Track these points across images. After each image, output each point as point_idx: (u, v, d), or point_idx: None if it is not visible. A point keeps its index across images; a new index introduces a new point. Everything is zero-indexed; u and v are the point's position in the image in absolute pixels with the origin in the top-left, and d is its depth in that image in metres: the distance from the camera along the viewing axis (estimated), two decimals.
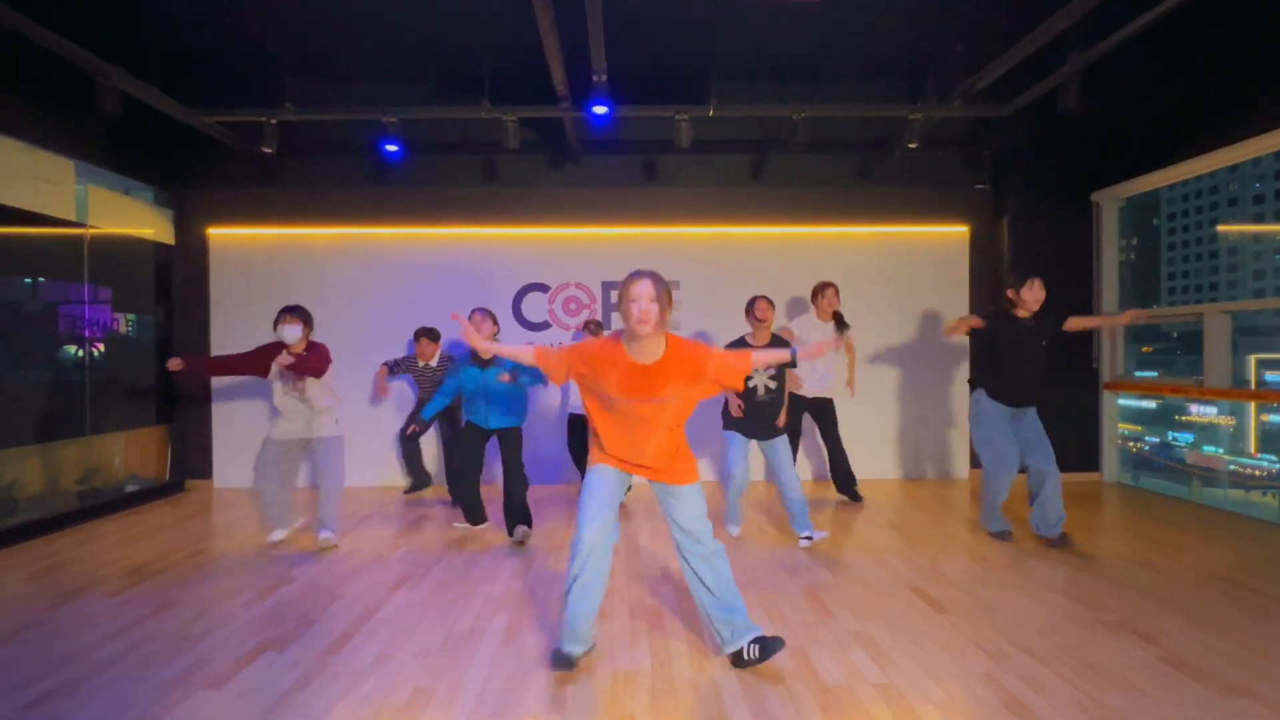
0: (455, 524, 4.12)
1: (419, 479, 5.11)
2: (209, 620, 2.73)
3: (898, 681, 2.18)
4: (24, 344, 4.28)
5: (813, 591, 3.00)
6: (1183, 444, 5.25)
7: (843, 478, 4.77)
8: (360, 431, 5.38)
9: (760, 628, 2.31)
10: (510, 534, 3.81)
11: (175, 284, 5.45)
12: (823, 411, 4.68)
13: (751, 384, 3.58)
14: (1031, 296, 3.58)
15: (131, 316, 5.22)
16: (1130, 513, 4.48)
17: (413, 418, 4.92)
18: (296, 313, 3.64)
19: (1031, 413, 3.69)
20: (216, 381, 5.47)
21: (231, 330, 5.43)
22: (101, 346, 4.87)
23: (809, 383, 4.52)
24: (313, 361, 3.58)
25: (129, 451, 5.13)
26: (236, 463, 5.47)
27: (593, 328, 4.69)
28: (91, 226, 4.70)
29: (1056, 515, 3.58)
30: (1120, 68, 4.51)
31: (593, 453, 2.30)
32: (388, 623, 2.69)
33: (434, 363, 4.83)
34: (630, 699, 2.08)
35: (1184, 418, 5.20)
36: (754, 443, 3.73)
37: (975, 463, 5.59)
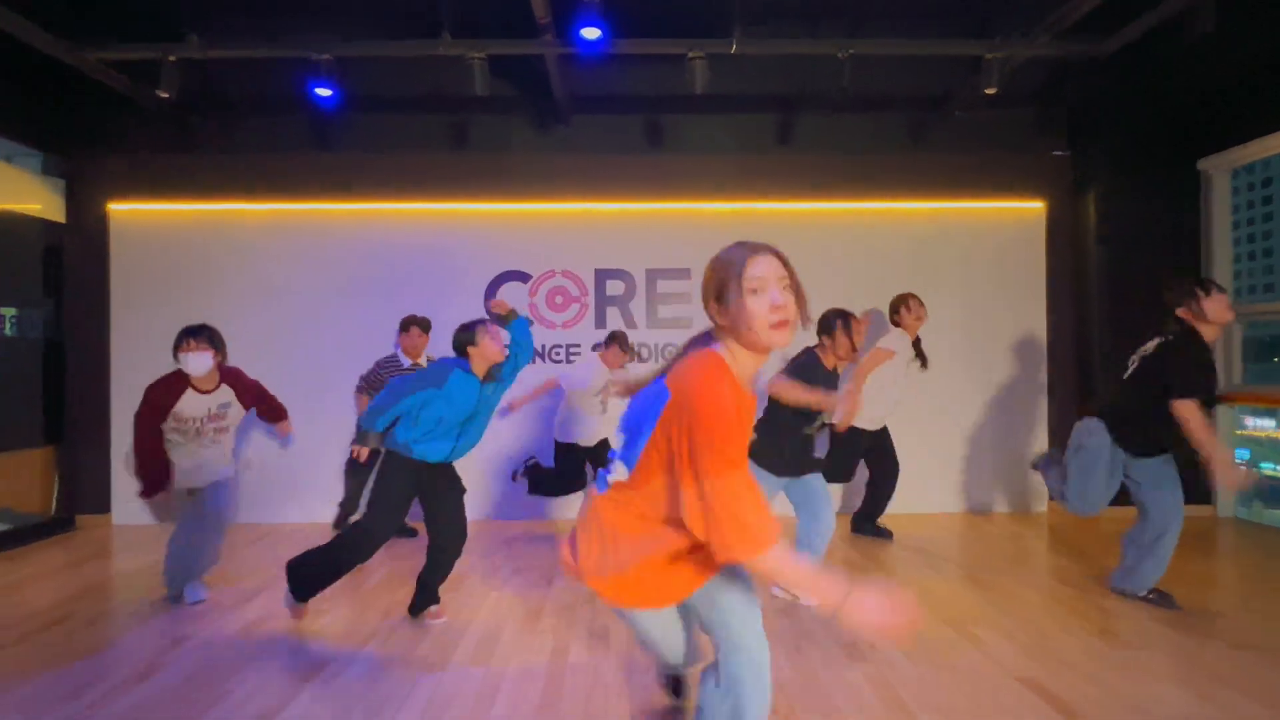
0: (429, 619, 3.06)
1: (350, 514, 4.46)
2: (68, 709, 2.08)
3: None
4: None
5: (883, 683, 2.36)
6: (1239, 461, 4.77)
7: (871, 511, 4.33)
8: (296, 457, 4.78)
9: None
10: (417, 609, 3.01)
11: (67, 271, 4.84)
12: (881, 440, 4.26)
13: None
14: (1224, 305, 2.86)
15: (10, 311, 4.59)
16: (1269, 561, 3.84)
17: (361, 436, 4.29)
18: (203, 335, 3.05)
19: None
20: (118, 393, 4.84)
21: (137, 327, 4.82)
22: None
23: (877, 410, 4.08)
24: (255, 389, 3.32)
25: (4, 479, 4.49)
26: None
27: (622, 346, 4.09)
28: None
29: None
30: None
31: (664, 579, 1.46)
32: None
33: (423, 362, 4.23)
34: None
35: (1240, 432, 4.70)
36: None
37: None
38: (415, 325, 4.19)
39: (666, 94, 4.74)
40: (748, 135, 4.98)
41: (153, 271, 4.86)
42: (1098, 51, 4.07)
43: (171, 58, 3.69)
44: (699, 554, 1.40)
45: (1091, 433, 3.12)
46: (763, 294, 1.29)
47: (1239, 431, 4.73)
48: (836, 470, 4.08)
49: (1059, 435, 4.97)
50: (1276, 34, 4.16)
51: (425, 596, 3.00)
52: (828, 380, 3.06)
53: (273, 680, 2.44)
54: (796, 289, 1.32)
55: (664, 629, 1.69)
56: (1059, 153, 5.06)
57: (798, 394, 2.91)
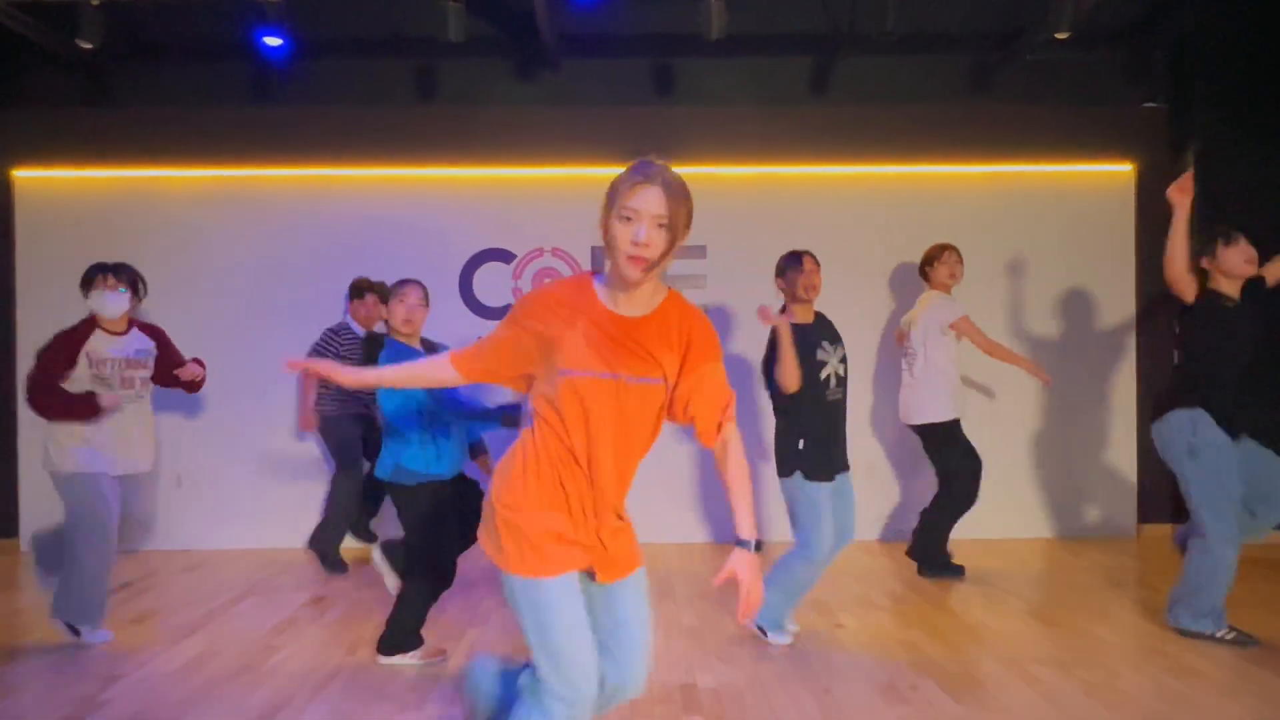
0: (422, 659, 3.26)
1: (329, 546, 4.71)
2: None
3: None
4: None
5: None
6: None
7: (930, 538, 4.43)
8: (237, 471, 5.07)
9: None
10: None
11: None
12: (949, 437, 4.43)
13: (824, 373, 3.29)
14: (1241, 258, 3.30)
15: None
16: None
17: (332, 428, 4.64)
18: (123, 274, 3.39)
19: (1250, 442, 3.38)
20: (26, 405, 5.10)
21: (48, 314, 5.02)
22: None
23: (932, 404, 4.31)
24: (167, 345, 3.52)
25: None
26: (56, 514, 5.10)
27: None
28: None
29: None
30: None
31: (536, 538, 1.66)
32: None
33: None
34: None
35: None
36: None
37: (1148, 516, 5.21)
38: (372, 292, 4.51)
39: (677, 33, 4.93)
40: (775, 83, 5.23)
41: (65, 249, 5.07)
42: None
43: (94, 1, 3.93)
44: None
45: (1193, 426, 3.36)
46: (633, 224, 1.53)
47: None
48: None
49: (1151, 447, 5.17)
50: None
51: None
52: (808, 336, 3.31)
53: None
54: (676, 229, 1.58)
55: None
56: (1152, 104, 5.28)
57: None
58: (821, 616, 3.72)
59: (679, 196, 1.56)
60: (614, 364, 1.60)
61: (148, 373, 3.49)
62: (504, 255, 5.21)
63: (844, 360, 3.40)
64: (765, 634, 3.34)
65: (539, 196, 5.21)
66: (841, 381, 3.37)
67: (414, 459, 3.07)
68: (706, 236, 5.14)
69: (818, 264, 3.39)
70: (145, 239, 5.12)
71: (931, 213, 5.15)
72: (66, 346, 3.34)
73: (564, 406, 1.64)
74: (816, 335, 3.34)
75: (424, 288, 3.25)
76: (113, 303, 3.34)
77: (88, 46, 4.06)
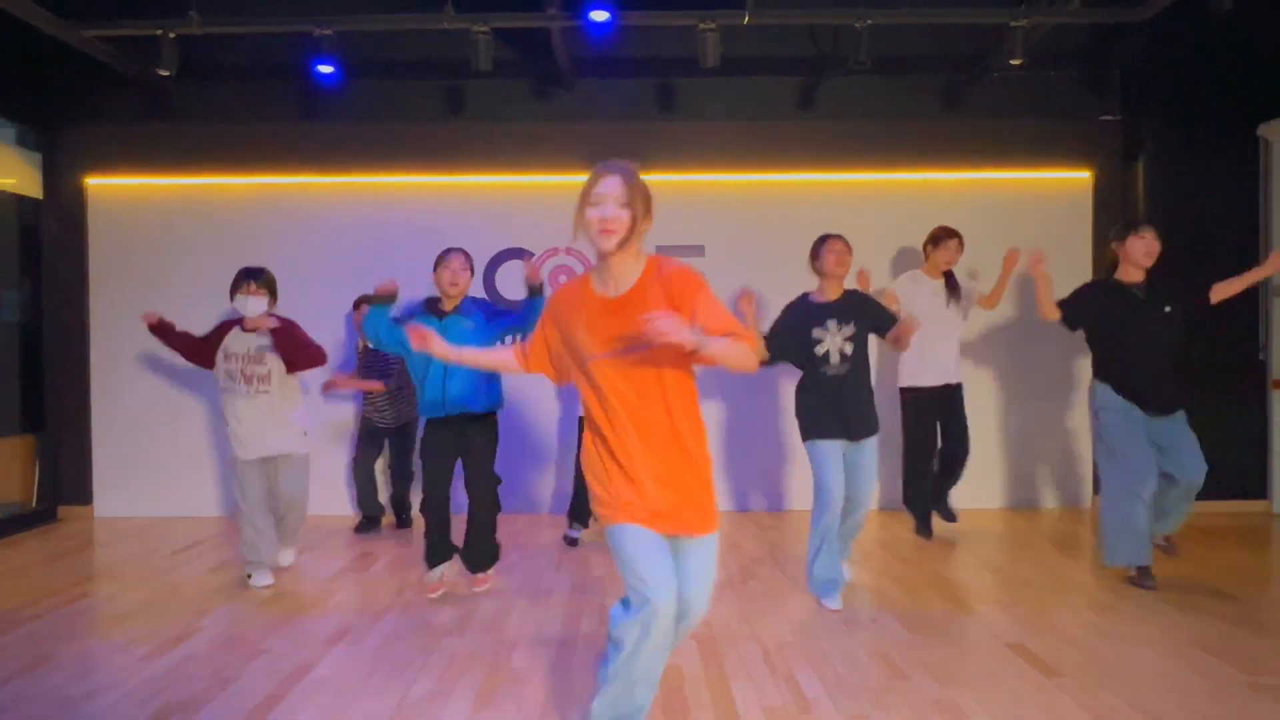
0: (429, 590, 3.76)
1: (371, 513, 5.19)
2: (96, 678, 2.82)
3: None
4: None
5: (879, 649, 3.05)
6: None
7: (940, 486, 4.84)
8: None
9: None
10: (470, 569, 3.76)
11: (44, 249, 5.55)
12: (948, 402, 4.73)
13: (820, 350, 3.45)
14: (1142, 248, 3.64)
15: None
16: None
17: (365, 421, 5.11)
18: (263, 279, 3.80)
19: (1178, 418, 3.71)
20: (99, 379, 5.58)
21: (117, 309, 5.51)
22: None
23: (917, 370, 4.62)
24: (293, 333, 3.85)
25: None
26: (125, 486, 5.59)
27: None
28: None
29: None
30: None
31: (607, 498, 1.97)
32: (325, 684, 2.77)
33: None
34: None
35: None
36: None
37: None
38: (366, 303, 4.86)
39: (679, 57, 5.23)
40: (767, 100, 5.54)
41: (133, 249, 5.55)
42: (1132, 18, 4.65)
43: (173, 35, 4.36)
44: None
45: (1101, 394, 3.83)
46: (599, 207, 1.84)
47: None
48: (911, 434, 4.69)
49: None
50: None
51: (472, 558, 3.73)
52: (815, 314, 3.49)
53: (304, 642, 3.18)
54: (635, 208, 1.85)
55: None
56: (1108, 118, 5.60)
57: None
58: (800, 567, 4.04)
59: (634, 183, 1.87)
60: (612, 342, 1.90)
61: (265, 369, 3.83)
62: (523, 253, 5.52)
63: (851, 339, 3.43)
64: (820, 602, 3.53)
65: (555, 201, 5.41)
66: (847, 358, 3.42)
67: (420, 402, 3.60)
68: (705, 237, 5.53)
69: (848, 246, 3.50)
70: (203, 240, 5.51)
71: (908, 216, 5.43)
72: (218, 331, 3.90)
73: (587, 390, 1.98)
74: (820, 315, 3.47)
75: (465, 254, 3.62)
76: (254, 306, 3.76)
77: (165, 74, 4.46)
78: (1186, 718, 2.46)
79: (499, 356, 2.32)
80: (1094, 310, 3.76)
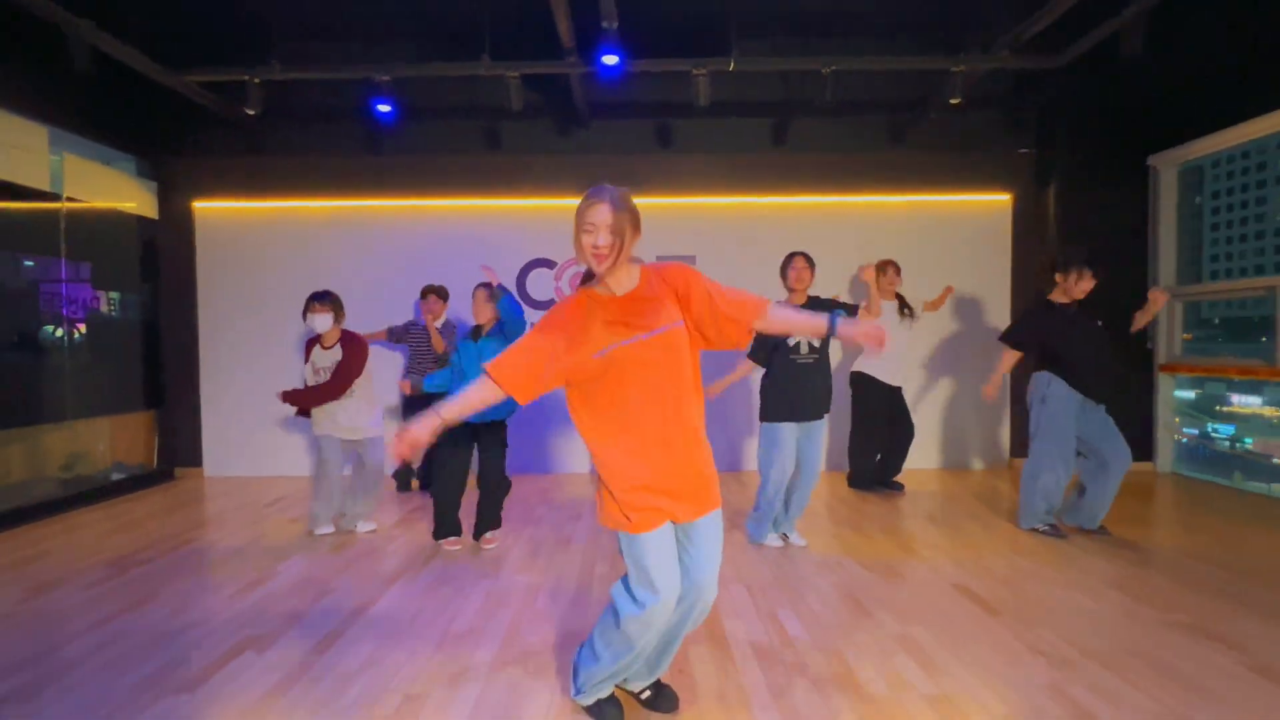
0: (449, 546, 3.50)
1: (403, 479, 4.87)
2: (187, 617, 2.60)
3: (950, 691, 2.00)
4: None
5: (847, 590, 2.82)
6: (1224, 436, 5.01)
7: (889, 468, 4.66)
8: None
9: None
10: (475, 538, 3.52)
11: (161, 261, 5.33)
12: (895, 399, 4.56)
13: (793, 341, 3.22)
14: (1083, 287, 3.40)
15: (115, 295, 5.10)
16: (1186, 504, 4.24)
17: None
18: (326, 300, 3.55)
19: (1103, 411, 3.47)
20: (205, 365, 5.36)
21: (219, 309, 5.34)
22: (83, 327, 4.76)
23: (873, 364, 4.46)
24: (347, 362, 3.54)
25: (115, 438, 5.04)
26: (228, 451, 5.39)
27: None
28: (69, 199, 4.57)
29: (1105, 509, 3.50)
30: (1185, 11, 4.21)
31: (620, 502, 1.66)
32: (380, 621, 2.54)
33: (439, 325, 4.62)
34: (642, 711, 1.92)
35: (1226, 408, 4.96)
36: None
37: (1017, 452, 5.39)
38: (433, 293, 4.56)
39: (675, 101, 5.08)
40: (747, 138, 5.29)
41: (232, 260, 5.33)
42: (1050, 65, 4.37)
43: (257, 80, 4.10)
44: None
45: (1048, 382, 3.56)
46: (590, 234, 1.58)
47: (1223, 408, 4.96)
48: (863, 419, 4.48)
49: (1020, 401, 5.36)
50: (1210, 47, 4.46)
51: (480, 523, 3.50)
52: None
53: (365, 582, 2.95)
54: (622, 233, 1.58)
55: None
56: (1024, 150, 5.34)
57: (798, 319, 3.22)
58: (817, 531, 3.89)
59: (622, 208, 1.58)
60: (630, 330, 1.62)
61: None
62: (548, 263, 5.33)
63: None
64: (763, 543, 3.39)
65: (573, 219, 5.34)
66: (815, 350, 3.23)
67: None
68: (696, 249, 5.30)
69: (808, 263, 3.26)
70: (288, 253, 5.29)
71: (862, 232, 5.26)
72: (308, 349, 3.66)
73: (604, 382, 1.62)
74: None
75: (487, 286, 3.39)
76: (320, 322, 3.52)
77: (252, 113, 4.22)
78: (1113, 651, 2.23)
79: (479, 396, 1.66)
80: (1037, 333, 3.49)
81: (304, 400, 3.55)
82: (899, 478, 4.70)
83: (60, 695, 2.03)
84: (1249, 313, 4.92)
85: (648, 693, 1.93)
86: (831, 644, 2.31)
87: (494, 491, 3.48)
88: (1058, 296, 3.47)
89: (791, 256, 3.28)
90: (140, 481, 5.05)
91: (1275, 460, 4.57)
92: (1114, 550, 3.28)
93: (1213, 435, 5.09)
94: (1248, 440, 4.73)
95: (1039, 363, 3.52)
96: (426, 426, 1.61)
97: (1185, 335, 5.18)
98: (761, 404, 3.32)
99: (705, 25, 4.54)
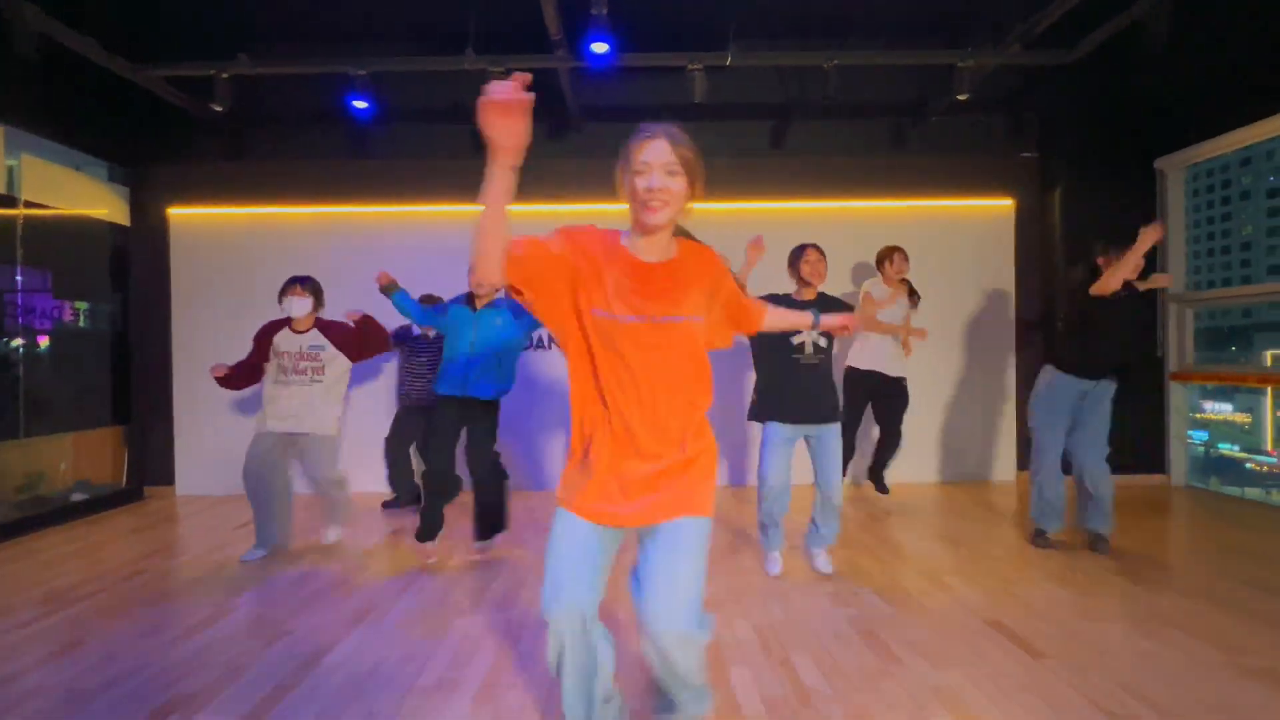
0: (427, 557, 3.22)
1: (402, 494, 4.46)
2: (114, 668, 2.18)
3: None
4: None
5: (867, 627, 2.42)
6: (1197, 442, 4.71)
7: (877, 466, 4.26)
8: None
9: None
10: (475, 541, 3.21)
11: (132, 270, 4.93)
12: (885, 390, 4.10)
13: (797, 340, 2.85)
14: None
15: (82, 305, 4.69)
16: (1217, 523, 3.88)
17: (404, 398, 4.39)
18: (307, 285, 3.22)
19: (1101, 393, 3.22)
20: (179, 378, 4.95)
21: (195, 319, 4.94)
22: (45, 339, 4.35)
23: (858, 354, 4.08)
24: (342, 336, 3.26)
25: (79, 455, 4.61)
26: (201, 468, 4.95)
27: None
28: (27, 204, 4.17)
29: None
30: (1201, 4, 3.92)
31: (567, 480, 1.38)
32: (338, 670, 2.13)
33: (432, 334, 4.29)
34: None
35: (1199, 415, 4.65)
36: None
37: (1024, 465, 5.01)
38: (424, 300, 4.30)
39: (669, 103, 4.74)
40: (744, 140, 4.98)
41: (209, 269, 4.94)
42: (1062, 60, 4.07)
43: (224, 74, 3.74)
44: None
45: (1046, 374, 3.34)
46: (645, 175, 1.28)
47: (1197, 415, 4.70)
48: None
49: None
50: (1223, 44, 4.17)
51: (480, 526, 3.19)
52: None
53: (325, 623, 2.53)
54: (690, 173, 1.30)
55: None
56: (1027, 155, 5.05)
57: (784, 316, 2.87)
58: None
59: (682, 143, 1.29)
60: (641, 307, 1.31)
61: (318, 364, 3.21)
62: None
63: (824, 334, 2.87)
64: (770, 566, 2.99)
65: (567, 223, 5.01)
66: (820, 350, 2.88)
67: (439, 379, 3.07)
68: None
69: (820, 255, 2.94)
70: (268, 261, 4.88)
71: (863, 238, 4.91)
72: (265, 332, 3.25)
73: (597, 350, 1.32)
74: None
75: None
76: (298, 306, 3.19)
77: (218, 108, 3.86)
78: (1184, 703, 1.85)
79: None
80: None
81: (377, 337, 3.34)
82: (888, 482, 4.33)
83: None
84: (1218, 323, 4.64)
85: None
86: (855, 697, 1.91)
87: (486, 484, 3.09)
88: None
89: (804, 248, 2.93)
90: (107, 501, 4.59)
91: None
92: (1159, 577, 2.90)
93: (1187, 441, 4.79)
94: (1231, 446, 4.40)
95: (1046, 350, 3.29)
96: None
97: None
98: (751, 405, 2.97)
99: (701, 19, 4.22)
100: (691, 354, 1.35)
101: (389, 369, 4.91)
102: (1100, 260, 3.24)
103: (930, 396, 5.04)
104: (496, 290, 2.99)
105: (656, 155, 1.27)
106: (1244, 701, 1.88)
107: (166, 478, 4.95)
